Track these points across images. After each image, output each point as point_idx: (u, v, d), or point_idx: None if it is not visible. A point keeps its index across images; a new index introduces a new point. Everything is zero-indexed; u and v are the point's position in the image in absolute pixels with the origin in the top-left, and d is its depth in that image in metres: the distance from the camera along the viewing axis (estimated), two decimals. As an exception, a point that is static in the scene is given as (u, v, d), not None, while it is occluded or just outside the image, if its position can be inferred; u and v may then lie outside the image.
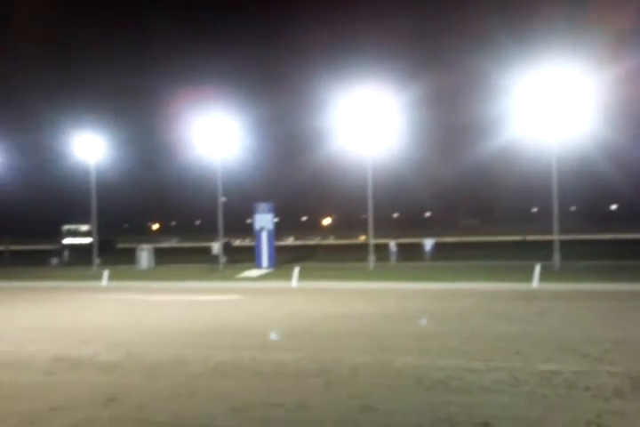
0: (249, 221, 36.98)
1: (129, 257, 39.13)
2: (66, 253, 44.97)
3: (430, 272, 26.85)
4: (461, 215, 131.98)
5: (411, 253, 37.19)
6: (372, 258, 30.94)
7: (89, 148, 36.06)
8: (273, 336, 12.21)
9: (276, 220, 33.97)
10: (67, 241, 79.16)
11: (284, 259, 36.54)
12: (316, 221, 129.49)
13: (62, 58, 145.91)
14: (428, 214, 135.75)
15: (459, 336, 11.31)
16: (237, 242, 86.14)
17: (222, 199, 33.85)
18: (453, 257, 36.23)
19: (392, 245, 35.24)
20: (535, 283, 21.12)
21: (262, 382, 8.12)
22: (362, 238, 78.57)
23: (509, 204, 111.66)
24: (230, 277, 28.03)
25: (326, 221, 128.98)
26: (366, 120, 30.25)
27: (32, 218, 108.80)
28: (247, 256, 35.60)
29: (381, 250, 34.24)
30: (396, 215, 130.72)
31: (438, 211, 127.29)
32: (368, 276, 26.49)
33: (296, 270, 24.79)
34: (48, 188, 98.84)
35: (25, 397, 7.71)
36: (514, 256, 34.44)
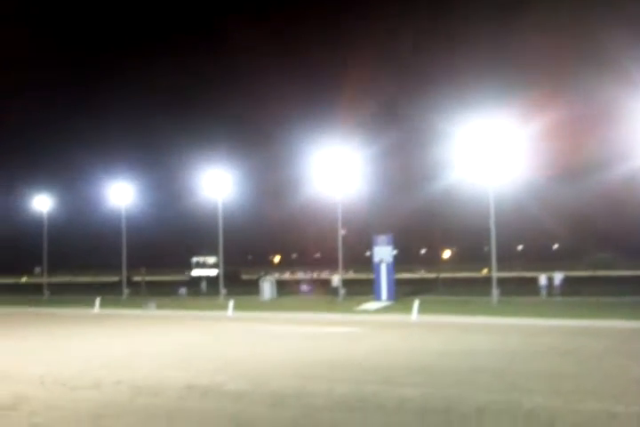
0: (368, 253, 37.08)
1: (253, 288, 40.42)
2: (204, 284, 47.15)
3: (559, 308, 25.40)
4: (593, 247, 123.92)
5: (535, 287, 35.39)
6: (495, 291, 29.82)
7: (216, 183, 38.03)
8: (395, 371, 12.02)
9: (394, 252, 33.75)
10: (195, 273, 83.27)
11: (403, 292, 36.11)
12: (436, 253, 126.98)
13: (188, 97, 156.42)
14: (555, 246, 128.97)
15: (595, 377, 10.58)
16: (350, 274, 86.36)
17: (342, 232, 34.24)
18: (584, 292, 34.08)
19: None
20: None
21: (386, 418, 8.02)
22: (484, 272, 75.99)
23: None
24: (349, 310, 28.09)
25: (446, 254, 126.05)
26: (487, 149, 29.62)
27: (164, 250, 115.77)
28: (367, 289, 35.57)
29: (504, 284, 32.97)
30: (520, 247, 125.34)
31: (567, 243, 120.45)
32: (492, 310, 25.52)
33: (416, 304, 24.40)
34: (179, 221, 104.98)
35: (159, 421, 8.13)
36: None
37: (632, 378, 10.47)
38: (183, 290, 45.11)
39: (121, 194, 42.52)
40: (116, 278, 61.14)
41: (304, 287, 38.80)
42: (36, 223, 49.25)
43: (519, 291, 34.97)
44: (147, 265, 65.21)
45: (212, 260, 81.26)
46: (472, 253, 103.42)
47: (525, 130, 31.02)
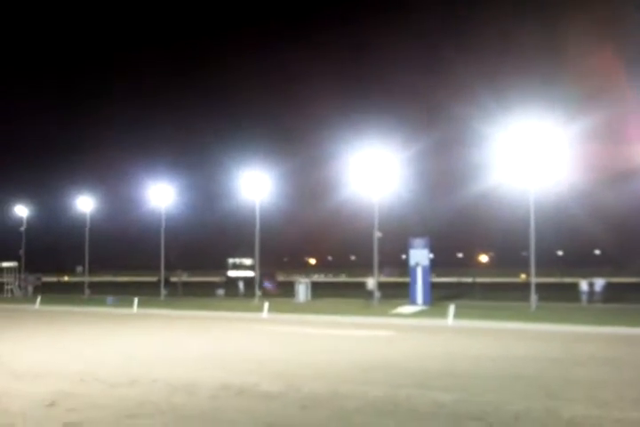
0: (404, 256, 36.83)
1: (288, 290, 40.55)
2: (242, 285, 47.32)
3: (599, 315, 24.78)
4: (636, 253, 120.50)
5: (575, 293, 34.65)
6: (533, 297, 29.28)
7: (254, 185, 38.29)
8: (429, 375, 11.90)
9: (431, 256, 33.41)
10: (232, 274, 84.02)
11: (439, 296, 35.74)
12: (472, 257, 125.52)
13: (227, 100, 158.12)
14: (597, 252, 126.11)
15: (636, 387, 10.28)
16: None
17: (378, 234, 34.06)
18: (627, 299, 33.20)
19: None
20: None
21: (419, 422, 7.94)
22: (522, 277, 74.72)
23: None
24: (384, 313, 27.93)
25: (484, 258, 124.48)
26: (528, 153, 29.12)
27: (203, 251, 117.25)
28: (402, 292, 35.33)
29: (543, 289, 32.35)
30: (560, 253, 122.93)
31: (610, 248, 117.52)
32: (530, 316, 25.04)
33: (452, 308, 24.12)
34: (217, 222, 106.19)
35: (194, 420, 8.20)
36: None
37: (676, 388, 10.13)
38: (221, 291, 45.53)
39: (161, 195, 43.19)
40: (154, 279, 62.13)
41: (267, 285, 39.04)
42: (78, 223, 50.48)
43: (559, 297, 34.28)
44: (185, 266, 66.11)
45: (248, 261, 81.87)
46: (510, 257, 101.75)
47: (569, 132, 30.42)
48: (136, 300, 33.47)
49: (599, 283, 33.98)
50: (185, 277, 57.44)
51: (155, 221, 44.99)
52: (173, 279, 55.52)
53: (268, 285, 39.30)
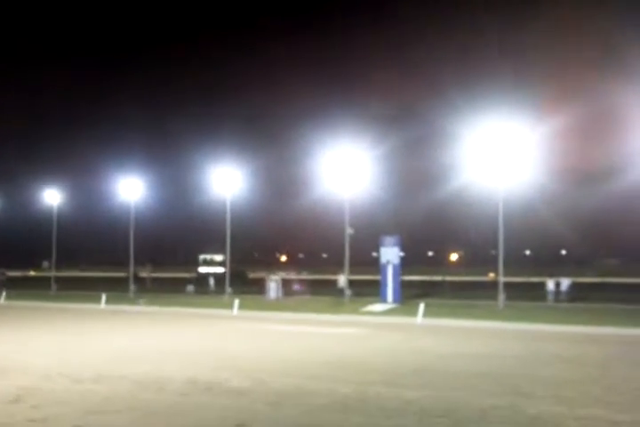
0: (375, 254, 37.04)
1: (258, 287, 40.41)
2: (212, 282, 46.93)
3: (565, 314, 25.22)
4: (601, 254, 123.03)
5: (542, 293, 35.24)
6: (501, 296, 29.67)
7: (225, 181, 38.02)
8: (398, 373, 11.97)
9: (401, 254, 33.60)
10: (203, 270, 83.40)
11: (409, 294, 35.97)
12: (443, 256, 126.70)
13: (200, 94, 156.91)
14: (563, 252, 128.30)
15: (599, 385, 10.49)
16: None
17: (349, 231, 34.12)
18: (592, 299, 33.85)
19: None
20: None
21: (387, 420, 7.99)
22: (491, 276, 75.65)
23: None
24: (355, 311, 28.03)
25: (453, 257, 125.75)
26: (497, 153, 29.46)
27: (171, 246, 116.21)
28: (372, 290, 35.48)
29: (511, 288, 32.81)
30: (527, 252, 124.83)
31: (576, 248, 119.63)
32: (497, 315, 25.38)
33: (421, 306, 24.33)
34: (188, 218, 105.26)
35: (161, 416, 8.14)
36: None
37: (636, 387, 10.38)
38: (191, 287, 45.12)
39: (131, 189, 42.63)
40: (123, 274, 61.39)
41: (296, 287, 40.00)
42: (45, 217, 49.51)
43: (526, 296, 34.78)
44: (154, 261, 65.36)
45: (219, 257, 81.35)
46: (480, 256, 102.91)
47: (537, 133, 30.86)
48: (104, 296, 33.04)
49: (565, 282, 34.57)
50: (150, 272, 56.73)
51: (124, 216, 44.43)
52: (142, 275, 54.90)
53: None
